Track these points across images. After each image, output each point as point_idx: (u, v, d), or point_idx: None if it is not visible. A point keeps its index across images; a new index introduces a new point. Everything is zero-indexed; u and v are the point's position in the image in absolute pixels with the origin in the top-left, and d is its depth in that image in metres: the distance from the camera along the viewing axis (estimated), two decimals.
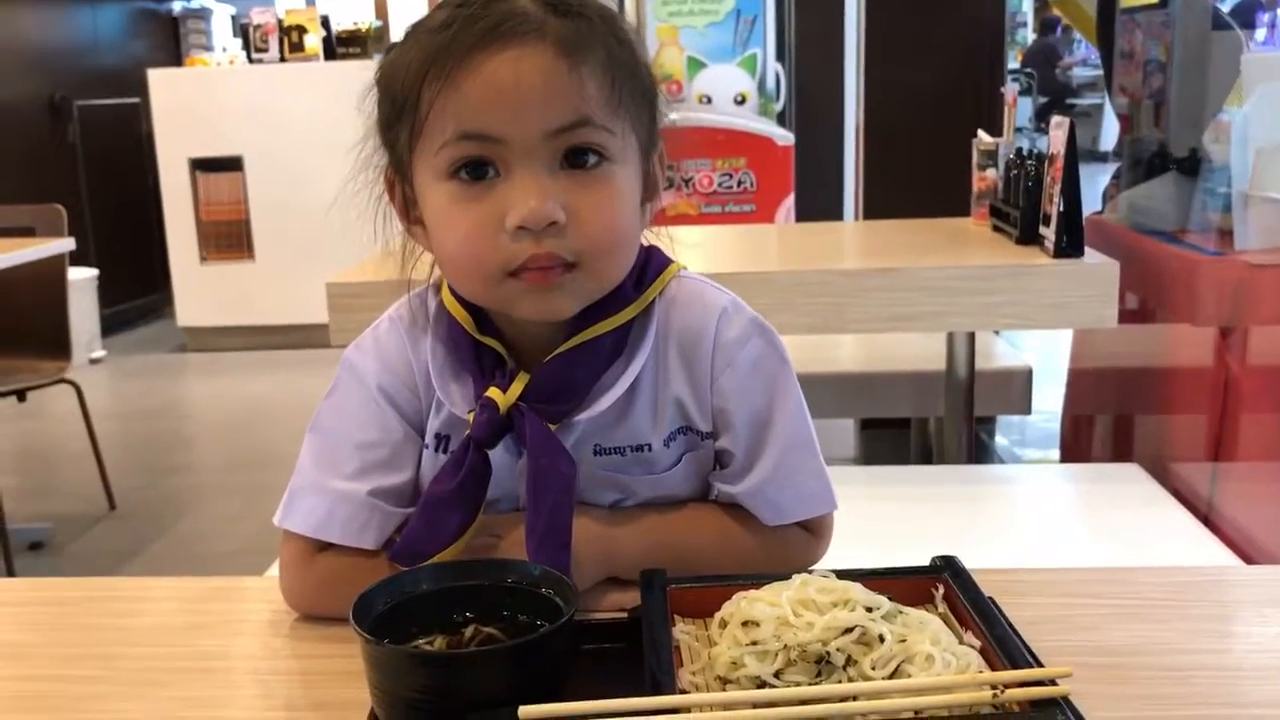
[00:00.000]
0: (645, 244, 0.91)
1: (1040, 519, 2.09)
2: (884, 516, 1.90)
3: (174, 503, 3.61)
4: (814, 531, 0.94)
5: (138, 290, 6.21)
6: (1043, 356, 3.87)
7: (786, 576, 0.73)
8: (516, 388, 0.84)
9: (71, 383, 3.25)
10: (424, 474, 0.91)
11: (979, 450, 3.10)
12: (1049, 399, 3.47)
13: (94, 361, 5.34)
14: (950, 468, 2.51)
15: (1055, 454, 3.37)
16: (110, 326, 5.73)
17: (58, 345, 3.28)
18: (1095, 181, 3.64)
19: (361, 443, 0.90)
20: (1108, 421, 2.90)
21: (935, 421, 2.99)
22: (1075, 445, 3.07)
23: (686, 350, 0.89)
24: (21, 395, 3.23)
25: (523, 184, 0.78)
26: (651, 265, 0.90)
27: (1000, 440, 3.65)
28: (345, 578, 0.84)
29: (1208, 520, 2.01)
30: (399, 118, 0.82)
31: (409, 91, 0.80)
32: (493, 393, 0.84)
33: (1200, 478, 2.21)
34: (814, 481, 0.91)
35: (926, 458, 3.12)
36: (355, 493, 0.89)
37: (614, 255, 0.83)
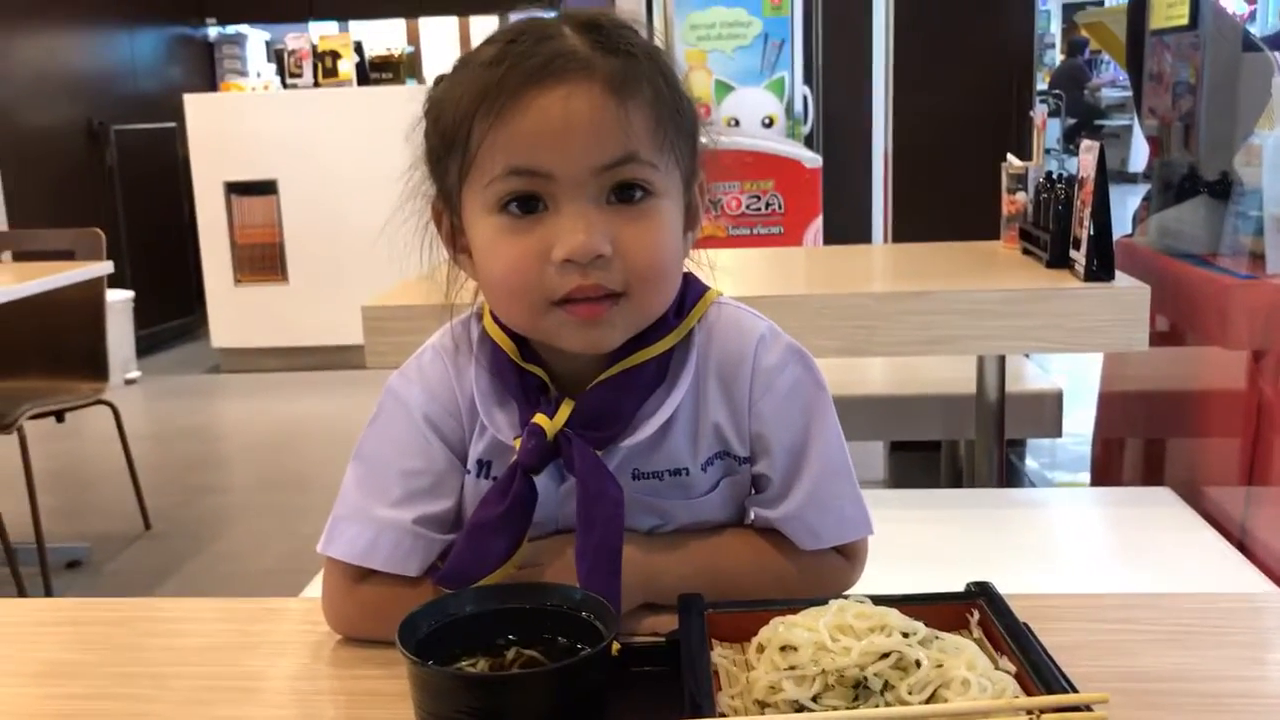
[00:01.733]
0: (684, 271, 0.91)
1: (1072, 543, 2.08)
2: (915, 539, 1.90)
3: (208, 522, 3.65)
4: (849, 556, 0.94)
5: (173, 312, 6.29)
6: (1073, 379, 3.86)
7: (824, 602, 0.74)
8: (563, 414, 0.85)
9: (108, 403, 3.30)
10: (466, 500, 0.93)
11: (1009, 473, 3.09)
12: (1079, 422, 3.45)
13: (129, 382, 5.40)
14: (981, 491, 2.51)
15: (1086, 477, 3.35)
16: (145, 348, 5.80)
17: (95, 366, 3.32)
18: (1125, 204, 3.63)
19: (406, 470, 0.91)
20: (1139, 445, 2.88)
21: (965, 444, 2.99)
22: (1106, 468, 3.06)
23: (725, 376, 0.90)
24: (60, 416, 3.28)
25: (570, 218, 0.80)
26: (690, 293, 0.91)
27: (1031, 463, 3.64)
28: (388, 605, 0.85)
29: (1241, 545, 2.00)
30: (449, 151, 0.84)
31: (460, 126, 0.81)
32: (540, 419, 0.85)
33: (1233, 502, 2.20)
34: (850, 507, 0.92)
35: (956, 480, 3.11)
36: (399, 520, 0.90)
37: (659, 286, 0.84)
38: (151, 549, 3.40)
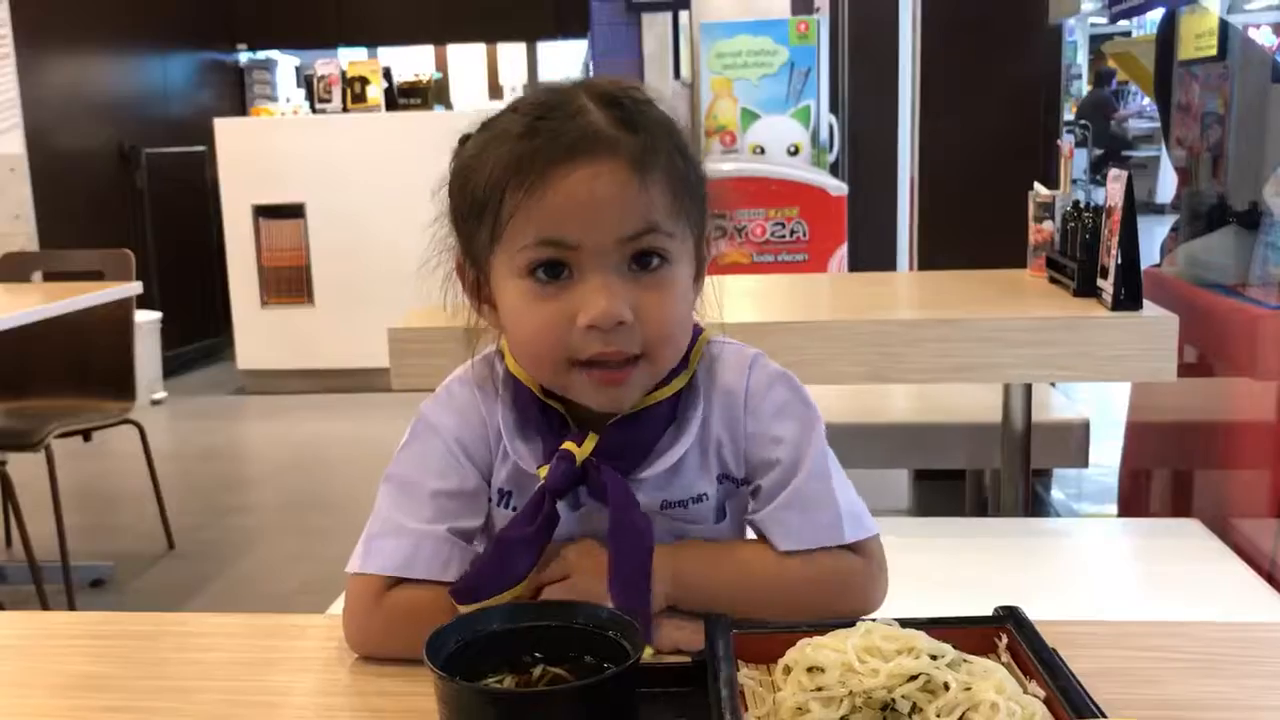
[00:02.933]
0: None
1: (1099, 573, 2.06)
2: (940, 567, 1.88)
3: (232, 543, 3.66)
4: (864, 555, 0.96)
5: (199, 333, 6.34)
6: (1100, 410, 3.83)
7: (851, 624, 0.74)
8: (589, 444, 0.91)
9: (135, 423, 3.32)
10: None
11: (1035, 503, 3.06)
12: (1106, 453, 3.43)
13: (155, 403, 5.44)
14: (1006, 520, 2.49)
15: (1112, 509, 3.32)
16: (172, 369, 5.85)
17: (123, 386, 3.35)
18: (1152, 234, 3.61)
19: (439, 490, 0.94)
20: (1166, 476, 2.86)
21: (991, 474, 2.97)
22: (1133, 499, 3.03)
23: (724, 405, 0.96)
24: (87, 435, 3.31)
25: (594, 287, 0.85)
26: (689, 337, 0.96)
27: (1057, 494, 3.61)
28: (412, 619, 0.87)
29: (1270, 578, 1.98)
30: (479, 216, 0.89)
31: (491, 194, 0.87)
32: (569, 445, 0.90)
33: (1263, 534, 2.17)
34: (831, 514, 0.94)
35: (981, 510, 3.09)
36: (435, 531, 0.93)
37: (673, 345, 0.91)
38: (175, 569, 3.41)
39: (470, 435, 0.95)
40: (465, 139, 0.92)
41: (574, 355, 0.86)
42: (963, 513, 3.15)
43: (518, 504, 0.94)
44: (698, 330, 0.97)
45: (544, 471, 0.91)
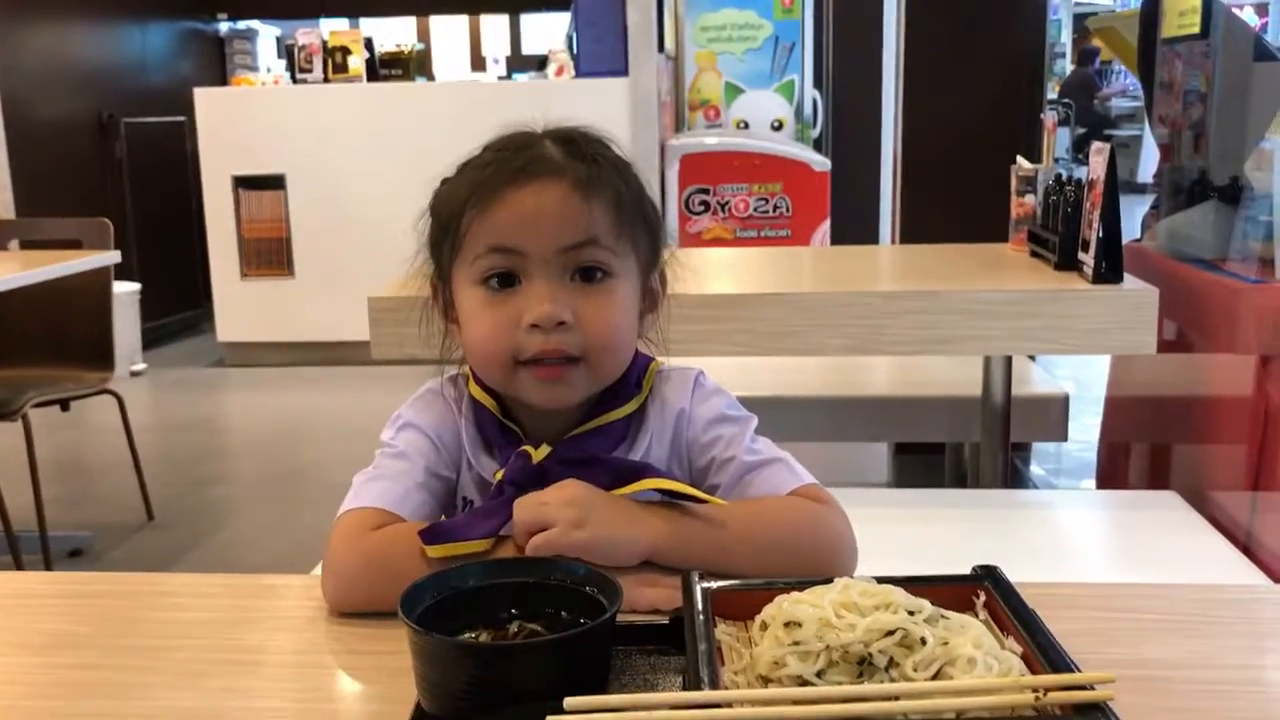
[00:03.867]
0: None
1: (1076, 543, 2.07)
2: (919, 538, 1.89)
3: (211, 513, 3.65)
4: (818, 498, 1.00)
5: (179, 305, 6.29)
6: (1080, 386, 3.85)
7: (828, 580, 0.74)
8: (543, 450, 0.98)
9: (113, 393, 3.30)
10: None
11: (1014, 477, 3.08)
12: (1085, 429, 3.44)
13: (135, 374, 5.41)
14: (984, 491, 2.50)
15: (1091, 484, 3.34)
16: (151, 340, 5.81)
17: (101, 356, 3.32)
18: (1134, 212, 3.62)
19: (423, 466, 1.02)
20: (1145, 449, 2.87)
21: (970, 447, 2.98)
22: (1111, 472, 3.05)
23: (672, 418, 1.05)
24: (65, 405, 3.28)
25: (538, 290, 0.95)
26: (640, 364, 1.06)
27: (1036, 470, 3.63)
28: (394, 554, 0.92)
29: (1247, 549, 1.99)
30: (445, 236, 1.00)
31: (453, 216, 0.98)
32: (526, 448, 0.99)
33: (1239, 506, 2.19)
34: (780, 469, 1.02)
35: (961, 483, 3.11)
36: (425, 486, 1.01)
37: (612, 353, 0.99)
38: (154, 539, 3.40)
39: (446, 434, 1.04)
40: (444, 181, 1.03)
41: (519, 354, 0.95)
42: (943, 486, 3.16)
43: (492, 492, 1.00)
44: (647, 360, 1.06)
45: (500, 475, 0.98)
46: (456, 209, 0.98)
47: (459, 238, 0.97)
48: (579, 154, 0.98)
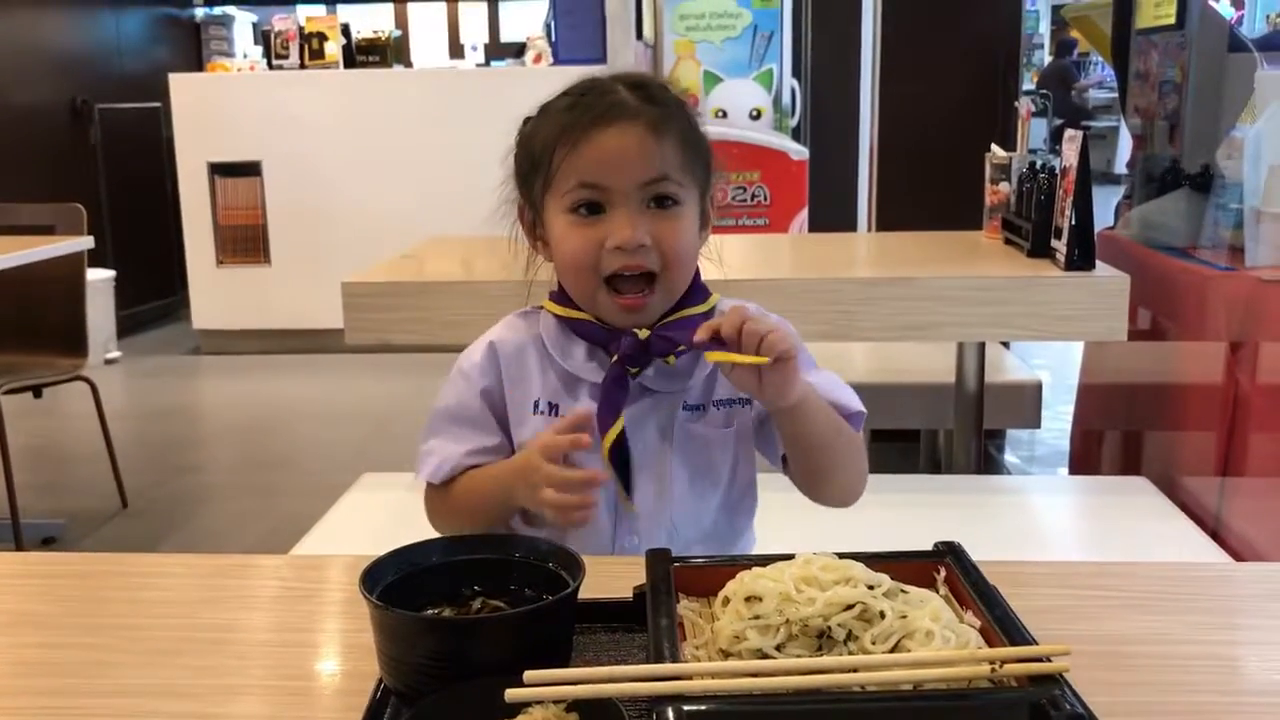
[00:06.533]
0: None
1: (1047, 528, 2.09)
2: (890, 522, 1.89)
3: (186, 502, 3.63)
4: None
5: (154, 292, 6.24)
6: (1054, 375, 3.87)
7: (789, 556, 0.74)
8: (644, 333, 1.12)
9: (87, 380, 3.27)
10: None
11: (988, 464, 3.10)
12: (1058, 417, 3.46)
13: (109, 362, 5.36)
14: (957, 477, 2.51)
15: (1064, 472, 3.36)
16: (126, 328, 5.76)
17: (74, 342, 3.30)
18: (1109, 203, 3.64)
19: (462, 418, 1.18)
20: (1117, 435, 2.89)
21: (944, 434, 2.99)
22: (1084, 458, 3.07)
23: None
24: (38, 391, 3.25)
25: (621, 218, 1.10)
26: (702, 289, 1.19)
27: (1010, 457, 3.65)
28: (471, 504, 1.14)
29: (1215, 534, 2.01)
30: (535, 171, 1.15)
31: (544, 153, 1.13)
32: (635, 330, 1.12)
33: (1209, 492, 2.21)
34: (843, 387, 1.22)
35: (935, 470, 3.12)
36: (459, 453, 1.17)
37: (682, 267, 1.14)
38: (128, 526, 3.38)
39: (512, 348, 1.18)
40: (527, 120, 1.18)
41: (604, 270, 1.10)
42: (917, 472, 3.18)
43: (563, 414, 1.13)
44: (709, 291, 1.19)
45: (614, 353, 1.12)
46: (548, 147, 1.11)
47: (550, 173, 1.12)
48: (650, 98, 1.12)
